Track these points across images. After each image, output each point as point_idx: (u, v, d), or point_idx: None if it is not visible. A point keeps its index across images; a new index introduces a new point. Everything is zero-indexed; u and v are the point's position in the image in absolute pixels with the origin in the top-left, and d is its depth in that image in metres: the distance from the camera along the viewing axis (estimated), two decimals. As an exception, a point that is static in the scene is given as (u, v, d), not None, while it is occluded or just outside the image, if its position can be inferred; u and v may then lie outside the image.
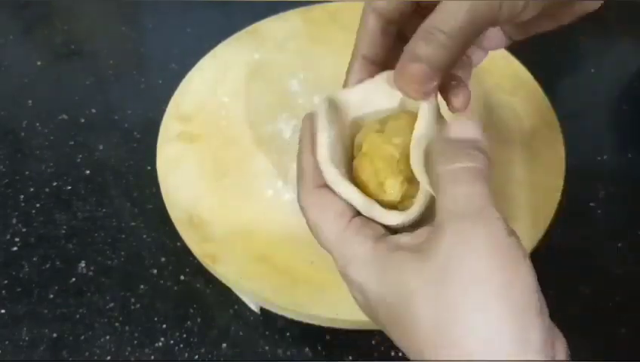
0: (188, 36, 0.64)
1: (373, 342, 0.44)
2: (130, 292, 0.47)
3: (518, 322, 0.23)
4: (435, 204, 0.26)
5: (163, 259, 0.49)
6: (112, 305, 0.46)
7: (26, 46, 0.65)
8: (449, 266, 0.24)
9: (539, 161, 0.48)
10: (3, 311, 0.46)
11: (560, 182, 0.47)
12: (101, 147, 0.56)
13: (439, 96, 0.31)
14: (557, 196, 0.46)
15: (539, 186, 0.47)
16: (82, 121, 0.58)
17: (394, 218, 0.29)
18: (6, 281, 0.48)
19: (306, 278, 0.42)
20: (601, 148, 0.55)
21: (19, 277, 0.48)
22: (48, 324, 0.46)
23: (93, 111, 0.58)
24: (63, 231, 0.50)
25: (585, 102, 0.59)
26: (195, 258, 0.44)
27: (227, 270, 0.43)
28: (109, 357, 0.44)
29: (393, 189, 0.29)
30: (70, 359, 0.44)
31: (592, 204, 0.52)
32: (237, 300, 0.46)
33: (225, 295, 0.46)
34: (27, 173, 0.54)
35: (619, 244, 0.50)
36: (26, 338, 0.45)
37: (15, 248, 0.50)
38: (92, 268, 0.48)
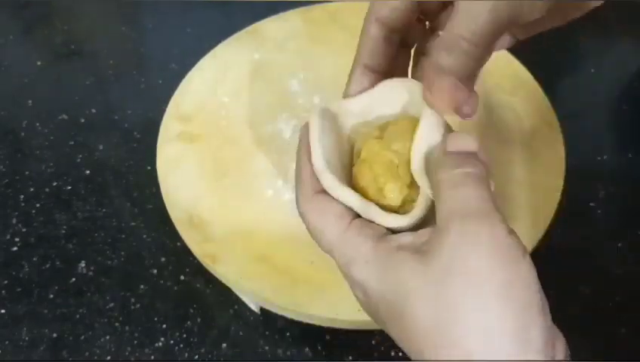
0: (188, 36, 0.64)
1: (373, 342, 0.44)
2: (130, 292, 0.47)
3: (519, 321, 0.23)
4: (435, 207, 0.26)
5: (163, 259, 0.49)
6: (112, 305, 0.46)
7: (26, 46, 0.65)
8: (452, 267, 0.24)
9: (539, 161, 0.48)
10: (3, 311, 0.46)
11: (560, 182, 0.47)
12: (101, 147, 0.56)
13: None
14: (557, 196, 0.46)
15: (539, 186, 0.47)
16: (82, 121, 0.58)
17: (394, 220, 0.29)
18: (6, 281, 0.48)
19: (306, 278, 0.42)
20: (601, 148, 0.55)
21: (19, 277, 0.48)
22: (48, 324, 0.46)
23: (93, 111, 0.58)
24: (63, 231, 0.50)
25: (585, 102, 0.59)
26: (195, 258, 0.44)
27: (227, 270, 0.43)
28: (109, 357, 0.44)
29: (393, 194, 0.29)
30: (70, 359, 0.44)
31: (592, 204, 0.52)
32: (237, 300, 0.46)
33: (225, 295, 0.46)
34: (27, 173, 0.54)
35: (619, 244, 0.50)
36: (26, 339, 0.45)
37: (15, 248, 0.50)
38: (92, 268, 0.48)
